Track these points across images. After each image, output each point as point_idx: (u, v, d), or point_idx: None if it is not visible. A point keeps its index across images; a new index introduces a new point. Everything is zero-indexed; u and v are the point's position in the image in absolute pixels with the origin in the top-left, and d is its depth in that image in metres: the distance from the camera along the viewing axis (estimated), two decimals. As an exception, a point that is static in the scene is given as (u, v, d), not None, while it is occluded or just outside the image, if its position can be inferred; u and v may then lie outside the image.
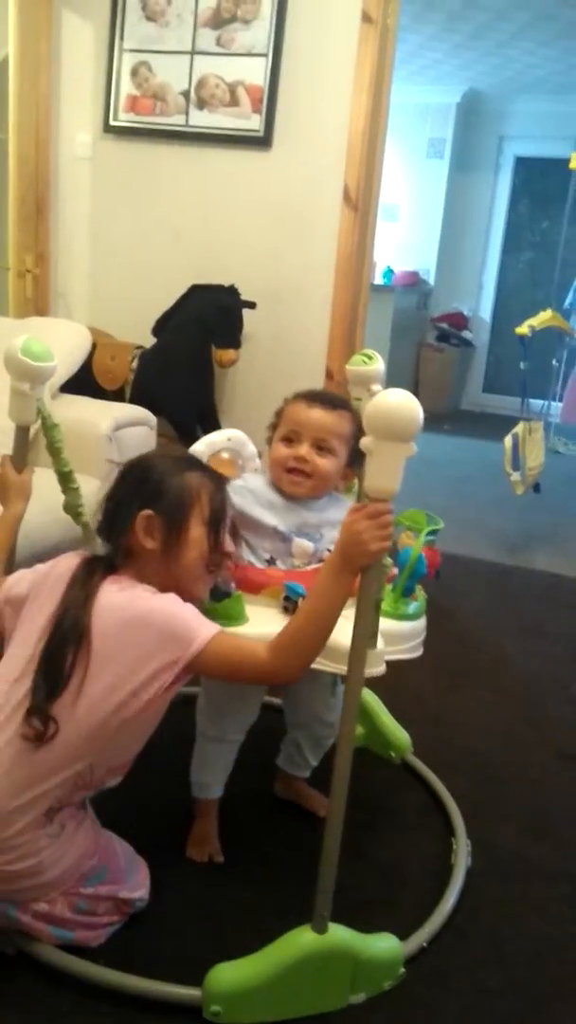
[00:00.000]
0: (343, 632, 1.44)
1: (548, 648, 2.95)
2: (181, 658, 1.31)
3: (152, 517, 1.39)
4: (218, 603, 1.48)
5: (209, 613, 1.42)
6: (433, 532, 1.73)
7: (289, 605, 1.53)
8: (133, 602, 1.35)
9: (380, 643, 1.46)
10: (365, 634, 1.32)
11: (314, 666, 1.40)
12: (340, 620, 1.36)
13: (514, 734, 2.35)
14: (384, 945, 1.46)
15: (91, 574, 1.40)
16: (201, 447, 1.86)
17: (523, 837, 1.91)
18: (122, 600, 1.36)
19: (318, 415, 1.68)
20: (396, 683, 2.41)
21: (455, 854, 1.79)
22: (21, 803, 1.32)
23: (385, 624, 1.50)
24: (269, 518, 1.68)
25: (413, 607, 1.62)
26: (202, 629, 1.33)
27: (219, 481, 1.48)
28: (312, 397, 1.72)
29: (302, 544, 1.68)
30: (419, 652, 1.64)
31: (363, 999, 1.43)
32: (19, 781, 1.32)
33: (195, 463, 1.51)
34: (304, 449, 1.67)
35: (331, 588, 1.31)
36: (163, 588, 1.38)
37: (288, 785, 1.94)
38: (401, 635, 1.57)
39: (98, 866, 1.46)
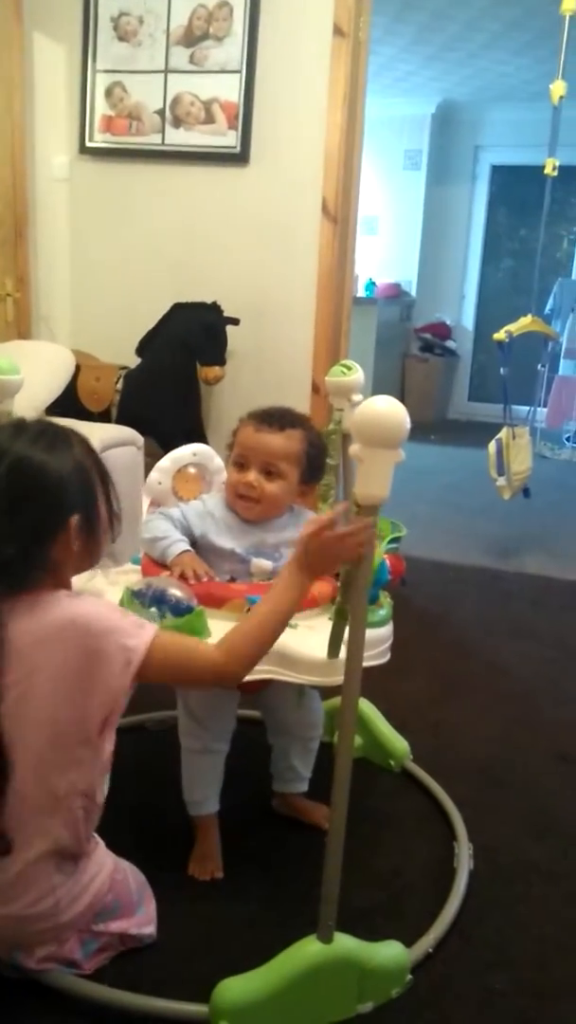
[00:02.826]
0: (303, 643, 1.51)
1: (542, 651, 2.96)
2: (130, 663, 1.24)
3: (79, 520, 1.28)
4: (181, 618, 1.47)
5: (172, 629, 1.42)
6: (396, 539, 1.76)
7: None
8: (65, 615, 1.25)
9: (342, 653, 1.46)
10: (360, 646, 1.33)
11: (276, 677, 1.47)
12: (303, 630, 1.44)
13: (512, 737, 2.35)
14: (390, 952, 1.45)
15: None
16: (167, 463, 1.88)
17: (524, 839, 1.91)
18: (54, 619, 1.25)
19: (266, 439, 1.70)
20: (392, 692, 2.42)
21: (457, 858, 1.79)
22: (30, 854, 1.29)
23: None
24: (227, 542, 1.73)
25: (379, 614, 1.63)
26: (143, 631, 1.27)
27: (81, 440, 1.35)
28: (261, 419, 1.74)
29: (260, 563, 1.71)
30: (386, 658, 1.66)
31: (371, 1008, 1.42)
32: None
33: (51, 434, 1.31)
34: (252, 475, 1.70)
35: (288, 592, 1.32)
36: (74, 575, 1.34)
37: (285, 802, 1.93)
38: (367, 642, 1.58)
39: (111, 902, 1.44)
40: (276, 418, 1.74)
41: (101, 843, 1.46)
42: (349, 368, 1.85)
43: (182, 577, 1.62)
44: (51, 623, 1.24)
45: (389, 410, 1.17)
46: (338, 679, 1.46)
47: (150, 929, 1.51)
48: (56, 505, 1.26)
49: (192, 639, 1.37)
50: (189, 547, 1.71)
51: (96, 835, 1.44)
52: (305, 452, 1.73)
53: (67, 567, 1.32)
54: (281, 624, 1.32)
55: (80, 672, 1.24)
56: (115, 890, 1.45)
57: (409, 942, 1.51)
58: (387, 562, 1.66)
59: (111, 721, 1.29)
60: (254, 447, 1.71)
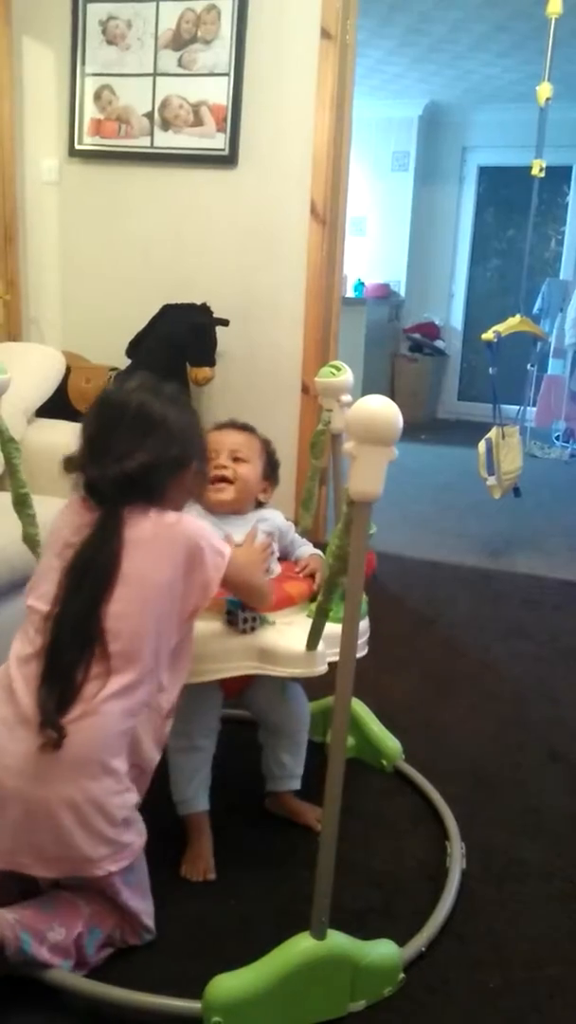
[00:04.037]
0: (282, 638, 1.59)
1: (533, 649, 2.97)
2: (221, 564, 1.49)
3: (196, 464, 1.58)
4: None
5: None
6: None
7: (231, 618, 1.61)
8: (175, 520, 1.50)
9: (321, 646, 1.55)
10: (352, 647, 1.34)
11: (258, 672, 1.61)
12: (281, 626, 1.60)
13: (504, 736, 2.36)
14: (383, 951, 1.46)
15: (106, 522, 1.47)
16: None
17: (517, 838, 1.92)
18: (168, 523, 1.48)
19: (230, 435, 1.89)
20: (385, 691, 2.43)
21: (450, 858, 1.79)
22: (120, 728, 1.41)
23: (329, 626, 1.55)
24: None
25: None
26: (226, 545, 1.54)
27: (190, 406, 1.67)
28: (222, 424, 1.95)
29: None
30: (364, 651, 1.75)
31: (363, 1006, 1.43)
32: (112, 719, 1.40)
33: (178, 398, 1.61)
34: (223, 458, 1.84)
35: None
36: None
37: (278, 802, 1.94)
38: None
39: (137, 863, 1.49)
40: (237, 423, 1.95)
41: None
42: (338, 369, 1.87)
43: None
44: (165, 525, 1.48)
45: (383, 408, 1.20)
46: (318, 670, 1.57)
47: (151, 923, 1.53)
48: (185, 449, 1.54)
49: (246, 561, 1.64)
50: None
51: None
52: (263, 448, 1.93)
53: (175, 501, 1.55)
54: (268, 588, 1.66)
55: (186, 563, 1.46)
56: (139, 861, 1.50)
57: (402, 941, 1.52)
58: None
59: (197, 612, 1.50)
60: (220, 442, 1.86)
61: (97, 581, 1.43)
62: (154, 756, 1.51)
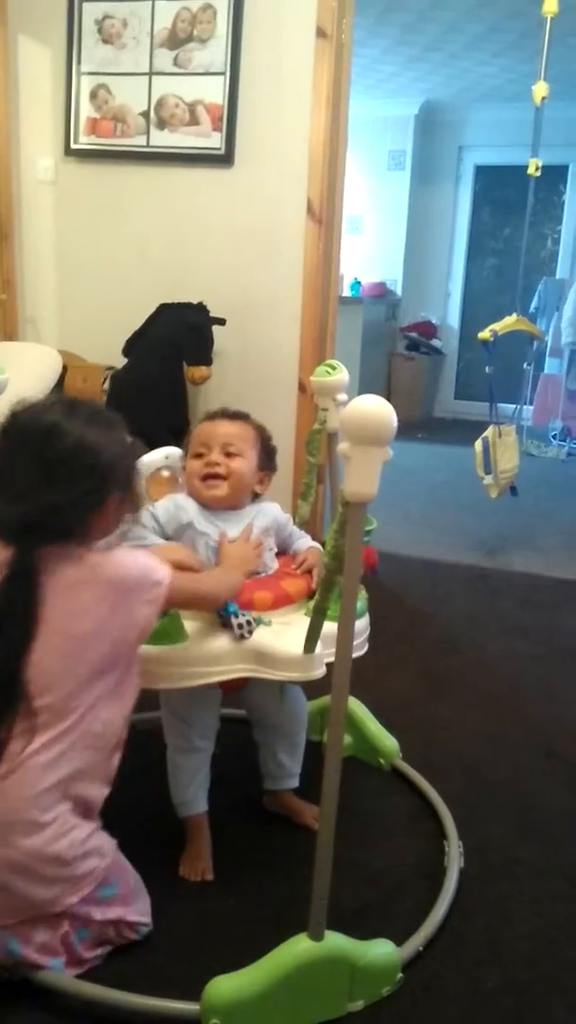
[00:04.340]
0: (279, 640, 1.55)
1: (530, 648, 2.97)
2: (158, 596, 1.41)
3: (118, 497, 1.43)
4: (157, 622, 1.48)
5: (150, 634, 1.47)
6: (367, 532, 1.77)
7: (225, 621, 1.57)
8: (97, 560, 1.39)
9: (319, 647, 1.51)
10: (349, 647, 1.33)
11: (254, 675, 1.57)
12: (277, 627, 1.57)
13: (501, 734, 2.36)
14: (381, 951, 1.46)
15: (16, 567, 1.34)
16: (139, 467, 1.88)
17: (514, 836, 1.92)
18: (89, 564, 1.38)
19: (222, 426, 1.83)
20: (381, 689, 2.43)
21: (447, 857, 1.79)
22: (48, 783, 1.34)
23: (327, 626, 1.53)
24: (205, 527, 1.77)
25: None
26: (162, 569, 1.44)
27: (124, 425, 1.49)
28: (213, 414, 1.88)
29: None
30: (364, 650, 1.73)
31: (361, 1006, 1.42)
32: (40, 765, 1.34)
33: (98, 417, 1.44)
34: (215, 455, 1.79)
35: (227, 575, 1.62)
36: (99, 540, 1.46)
37: (276, 800, 1.94)
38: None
39: (111, 878, 1.45)
40: (228, 412, 1.88)
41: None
42: (333, 368, 1.87)
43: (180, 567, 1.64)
44: (88, 568, 1.37)
45: (377, 408, 1.19)
46: (316, 673, 1.53)
47: (147, 919, 1.52)
48: (104, 481, 1.38)
49: (187, 574, 1.56)
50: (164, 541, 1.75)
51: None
52: (258, 437, 1.86)
53: (97, 534, 1.43)
54: (221, 588, 1.59)
55: (113, 608, 1.38)
56: (115, 869, 1.47)
57: (400, 940, 1.52)
58: None
59: (139, 642, 1.44)
60: (212, 434, 1.81)
61: (12, 634, 1.32)
62: (100, 794, 1.45)
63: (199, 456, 1.80)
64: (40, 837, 1.33)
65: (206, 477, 1.78)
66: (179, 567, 1.54)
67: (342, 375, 1.88)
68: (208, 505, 1.79)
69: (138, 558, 1.45)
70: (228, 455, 1.79)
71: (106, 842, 1.46)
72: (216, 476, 1.77)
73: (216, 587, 1.58)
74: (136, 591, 1.39)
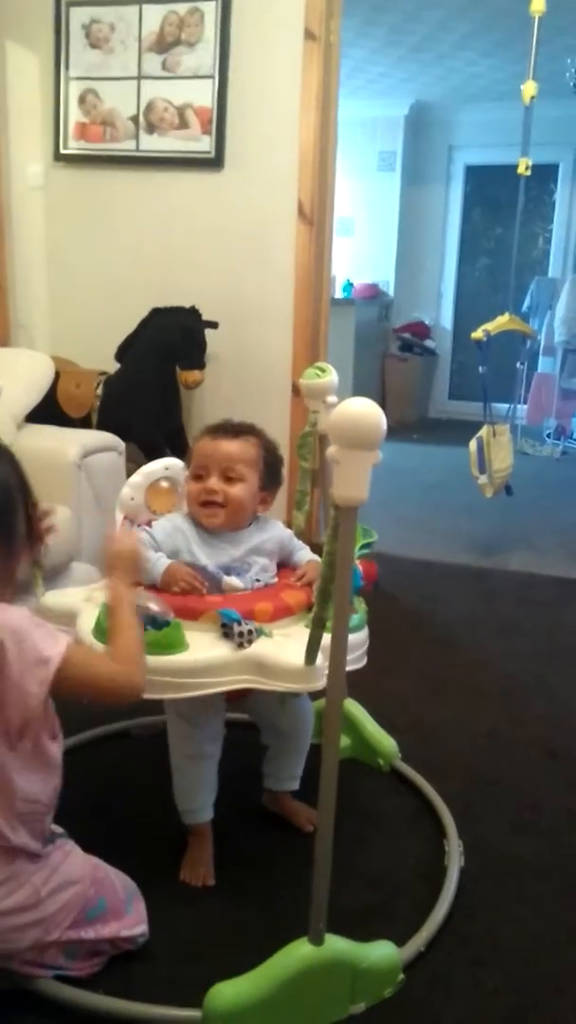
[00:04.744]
0: (280, 651, 1.52)
1: (528, 647, 2.97)
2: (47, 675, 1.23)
3: (4, 554, 1.27)
4: (159, 631, 1.48)
5: (150, 642, 1.44)
6: (367, 545, 1.76)
7: (226, 631, 1.55)
8: None
9: (320, 659, 1.47)
10: (342, 651, 1.33)
11: (255, 687, 1.50)
12: (279, 638, 1.50)
13: (499, 734, 2.36)
14: (382, 953, 1.45)
15: None
16: (139, 478, 1.87)
17: (514, 835, 1.91)
18: None
19: (223, 446, 1.74)
20: (379, 691, 2.42)
21: (448, 857, 1.79)
22: None
23: (326, 638, 1.50)
24: (199, 558, 1.72)
25: (354, 620, 1.63)
26: (56, 642, 1.25)
27: (9, 457, 1.34)
28: (215, 430, 1.79)
29: (231, 582, 1.70)
30: (362, 663, 1.67)
31: (364, 1008, 1.42)
32: None
33: None
34: (213, 481, 1.72)
35: (120, 605, 1.42)
36: None
37: (275, 800, 1.93)
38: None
39: (95, 898, 1.42)
40: (231, 427, 1.79)
41: (70, 842, 1.45)
42: (323, 370, 1.86)
43: (184, 592, 1.62)
44: None
45: (365, 411, 1.17)
46: (317, 685, 1.49)
47: (141, 928, 1.49)
48: None
49: (95, 653, 1.41)
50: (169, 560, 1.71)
51: (63, 837, 1.44)
52: (262, 457, 1.78)
53: None
54: (136, 631, 1.40)
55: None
56: (99, 887, 1.43)
57: (401, 941, 1.51)
58: (360, 568, 1.66)
59: (29, 730, 1.27)
60: (211, 454, 1.74)
61: None
62: (38, 847, 1.35)
63: (199, 478, 1.75)
64: None
65: (204, 503, 1.73)
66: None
67: (332, 377, 1.87)
68: (205, 528, 1.76)
69: (24, 629, 1.24)
70: (228, 479, 1.73)
71: (75, 869, 1.40)
72: (213, 503, 1.73)
73: (123, 674, 1.34)
74: (16, 667, 1.21)
